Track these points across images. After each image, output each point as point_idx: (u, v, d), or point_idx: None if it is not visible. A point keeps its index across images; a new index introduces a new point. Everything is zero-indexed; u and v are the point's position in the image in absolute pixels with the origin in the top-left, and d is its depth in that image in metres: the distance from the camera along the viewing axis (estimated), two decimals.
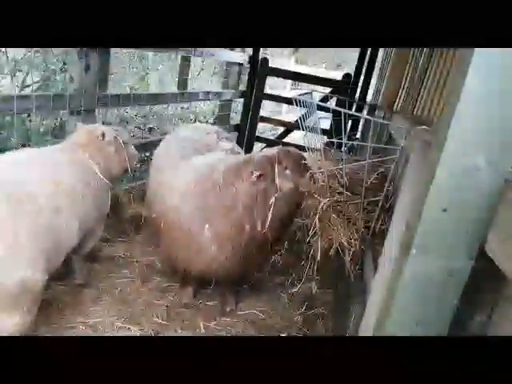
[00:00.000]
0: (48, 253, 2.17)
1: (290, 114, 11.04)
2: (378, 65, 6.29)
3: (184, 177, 2.90)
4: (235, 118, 7.47)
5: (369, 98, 6.42)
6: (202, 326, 2.91)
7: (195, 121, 8.10)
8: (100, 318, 2.77)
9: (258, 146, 6.65)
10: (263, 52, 6.65)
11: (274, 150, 2.79)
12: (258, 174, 2.62)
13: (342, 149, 3.08)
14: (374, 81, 6.29)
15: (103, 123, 4.55)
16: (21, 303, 2.04)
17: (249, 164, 2.72)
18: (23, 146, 4.32)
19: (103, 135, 2.92)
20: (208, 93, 5.79)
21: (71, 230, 2.44)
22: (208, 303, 3.20)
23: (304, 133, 3.23)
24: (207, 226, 2.74)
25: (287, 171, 2.67)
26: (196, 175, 2.86)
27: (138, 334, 2.68)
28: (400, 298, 1.22)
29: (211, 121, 8.01)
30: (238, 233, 2.71)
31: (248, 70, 6.31)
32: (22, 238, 2.00)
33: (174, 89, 8.56)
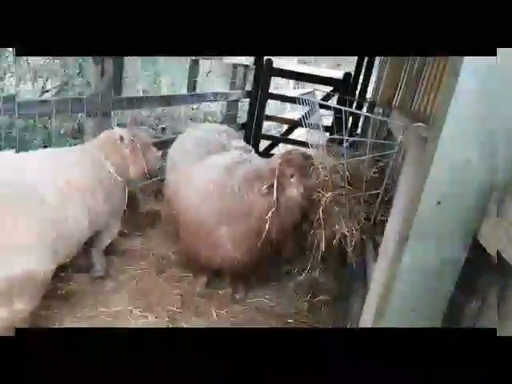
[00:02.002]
0: (55, 244, 2.19)
1: (293, 112, 11.00)
2: (376, 63, 6.24)
3: (203, 177, 2.92)
4: (242, 116, 7.46)
5: (368, 95, 6.37)
6: (214, 313, 2.93)
7: (204, 120, 8.10)
8: (119, 308, 2.81)
9: (263, 143, 6.65)
10: None
11: (277, 160, 2.75)
12: (266, 187, 2.63)
13: (343, 145, 3.07)
14: (373, 78, 6.24)
15: (118, 125, 4.58)
16: (24, 292, 2.05)
17: (259, 176, 2.72)
18: (45, 147, 4.36)
19: (121, 138, 2.95)
20: (216, 94, 5.79)
21: (80, 223, 2.46)
22: (220, 292, 3.23)
23: (307, 130, 3.22)
24: (224, 227, 2.77)
25: (292, 179, 2.67)
26: (214, 177, 2.87)
27: (154, 322, 2.72)
28: (398, 285, 1.22)
29: (219, 120, 8.01)
30: (253, 236, 2.74)
31: (253, 71, 6.29)
32: (26, 231, 2.03)
33: (183, 90, 8.57)
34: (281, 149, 6.49)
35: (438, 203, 1.10)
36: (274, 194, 2.63)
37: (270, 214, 2.64)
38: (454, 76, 1.04)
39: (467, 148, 1.04)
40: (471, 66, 0.98)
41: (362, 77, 6.11)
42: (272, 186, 2.63)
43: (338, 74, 7.63)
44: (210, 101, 5.94)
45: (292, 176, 2.67)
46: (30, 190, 2.15)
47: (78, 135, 4.87)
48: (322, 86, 6.24)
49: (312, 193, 2.61)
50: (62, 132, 5.22)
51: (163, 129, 7.00)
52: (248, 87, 6.56)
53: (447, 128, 1.06)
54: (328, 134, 5.12)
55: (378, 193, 2.44)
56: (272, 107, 10.58)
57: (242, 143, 3.50)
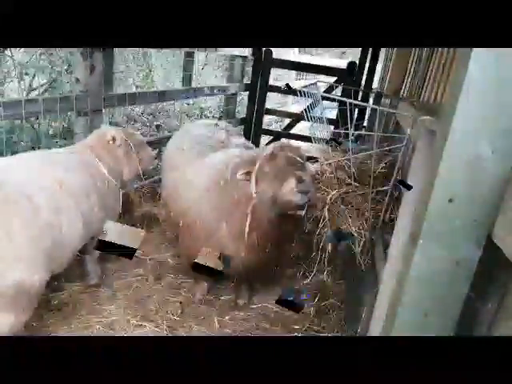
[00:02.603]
0: (48, 252, 2.19)
1: (295, 105, 10.99)
2: (382, 51, 6.22)
3: (201, 176, 2.92)
4: (241, 111, 7.45)
5: (374, 85, 6.35)
6: (216, 320, 2.93)
7: (201, 116, 8.08)
8: (115, 317, 2.81)
9: (264, 138, 6.64)
10: None
11: (265, 150, 2.65)
12: (242, 172, 2.56)
13: (349, 139, 3.07)
14: (379, 67, 6.22)
15: (110, 123, 4.58)
16: (17, 304, 2.06)
17: (243, 164, 2.67)
18: (33, 148, 4.37)
19: (114, 139, 2.95)
20: (213, 87, 5.78)
21: (74, 229, 2.45)
22: (221, 298, 3.23)
23: (310, 123, 3.22)
24: (224, 226, 2.76)
25: (268, 176, 2.53)
26: (211, 174, 2.86)
27: (153, 331, 2.72)
28: (409, 288, 1.22)
29: (217, 115, 8.00)
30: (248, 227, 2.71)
31: (252, 63, 6.28)
32: (17, 239, 2.02)
33: (178, 85, 8.55)
34: None
35: (450, 201, 1.09)
36: (253, 182, 2.56)
37: (250, 207, 2.60)
38: (462, 66, 1.03)
39: (478, 141, 1.04)
40: (480, 54, 0.98)
41: (367, 66, 6.08)
42: (248, 173, 2.57)
43: (342, 63, 7.62)
44: (207, 95, 5.93)
45: (268, 173, 2.53)
46: (19, 194, 2.15)
47: (68, 135, 4.87)
48: (325, 76, 6.22)
49: (289, 206, 2.48)
50: (50, 132, 5.23)
51: (158, 126, 7.00)
52: (247, 80, 6.55)
53: (457, 120, 1.05)
54: (332, 127, 5.11)
55: (387, 189, 2.43)
56: (273, 100, 10.58)
57: (242, 140, 3.49)
